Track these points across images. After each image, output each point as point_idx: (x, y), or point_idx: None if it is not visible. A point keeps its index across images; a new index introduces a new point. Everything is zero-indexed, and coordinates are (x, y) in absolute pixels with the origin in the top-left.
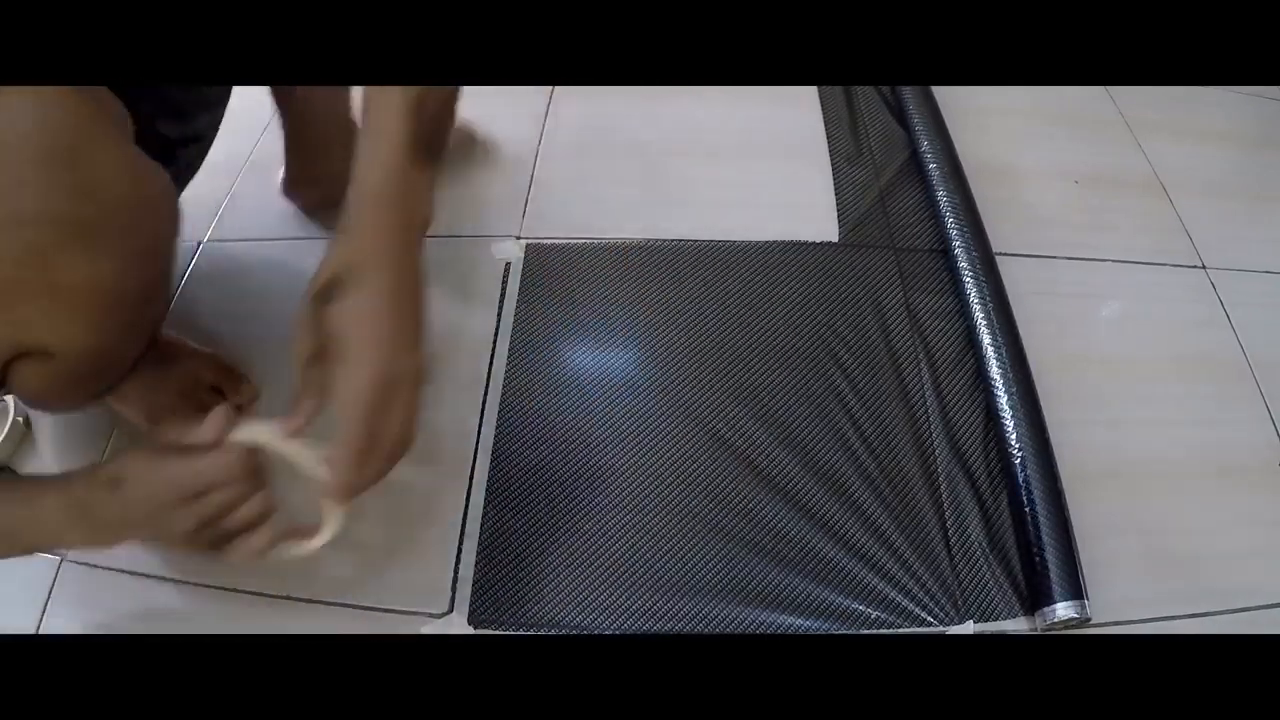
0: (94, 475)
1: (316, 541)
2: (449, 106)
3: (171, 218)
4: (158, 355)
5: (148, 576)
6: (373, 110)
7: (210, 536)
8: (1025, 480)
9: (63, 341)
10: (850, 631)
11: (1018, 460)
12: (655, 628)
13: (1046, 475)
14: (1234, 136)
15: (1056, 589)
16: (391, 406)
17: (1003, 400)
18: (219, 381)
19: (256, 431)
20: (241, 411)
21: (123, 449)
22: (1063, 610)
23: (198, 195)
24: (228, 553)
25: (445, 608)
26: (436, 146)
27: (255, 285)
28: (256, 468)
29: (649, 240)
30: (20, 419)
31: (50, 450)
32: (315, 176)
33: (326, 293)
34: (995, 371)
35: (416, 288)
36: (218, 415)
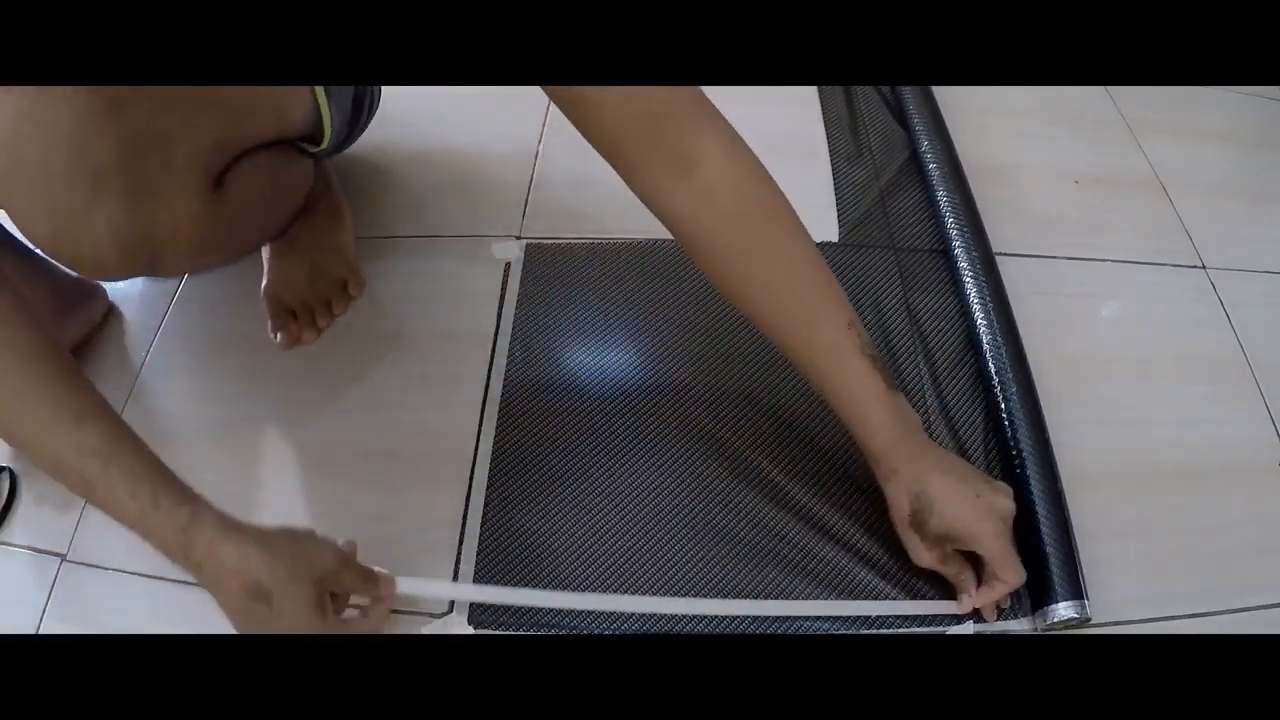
0: (227, 553)
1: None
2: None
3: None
4: (297, 246)
5: (148, 576)
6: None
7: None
8: (1025, 480)
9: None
10: (850, 632)
11: (1018, 460)
12: (655, 628)
13: (1046, 475)
14: (1234, 136)
15: (1057, 589)
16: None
17: (1003, 400)
18: (343, 281)
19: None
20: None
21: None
22: (1063, 610)
23: None
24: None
25: (445, 608)
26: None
27: (255, 285)
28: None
29: (649, 240)
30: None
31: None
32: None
33: (915, 520)
34: (995, 371)
35: (952, 461)
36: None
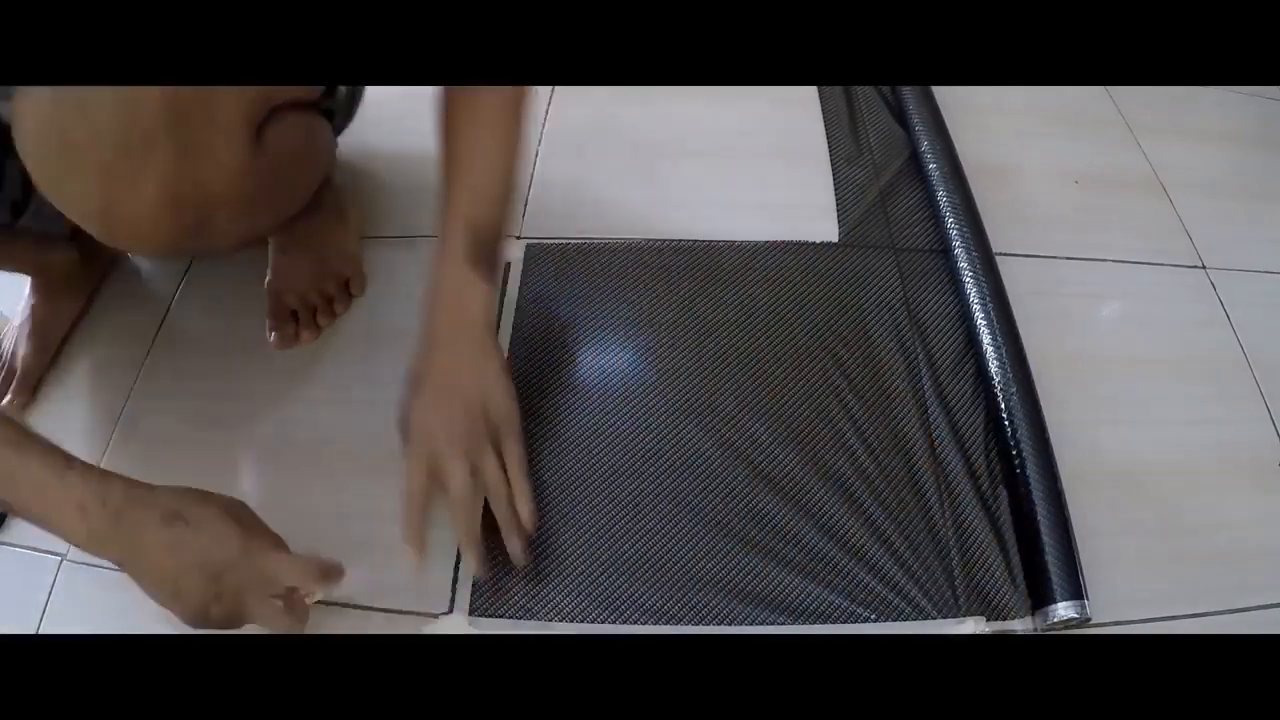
0: (142, 494)
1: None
2: (501, 221)
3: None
4: (301, 244)
5: None
6: (440, 229)
7: (220, 614)
8: (1025, 480)
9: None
10: (850, 631)
11: (1018, 460)
12: (656, 627)
13: (1046, 475)
14: (1234, 136)
15: (1057, 589)
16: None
17: (1003, 400)
18: (344, 282)
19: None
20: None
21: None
22: (1063, 610)
23: None
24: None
25: (445, 608)
26: (489, 256)
27: (255, 285)
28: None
29: (649, 240)
30: None
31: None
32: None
33: (413, 387)
34: (995, 371)
35: (472, 377)
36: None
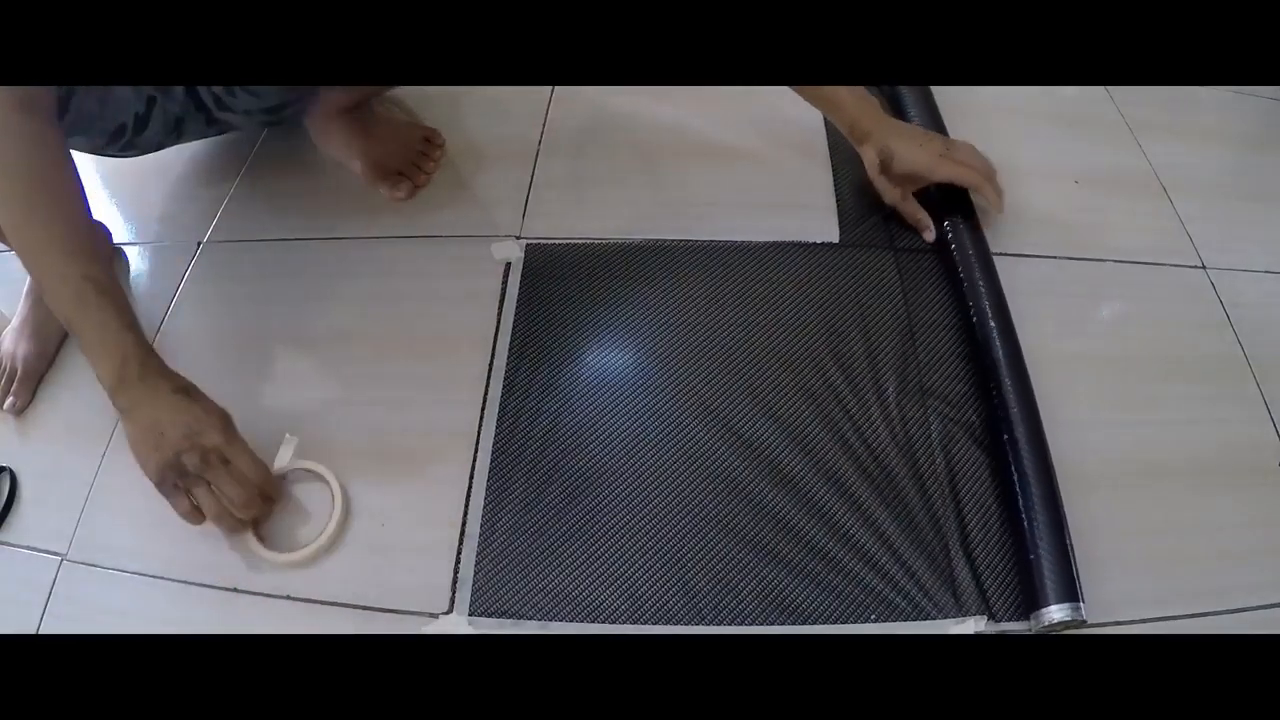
0: (168, 371)
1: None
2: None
3: None
4: (372, 123)
5: (148, 576)
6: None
7: (184, 488)
8: (1023, 480)
9: None
10: (850, 631)
11: (1015, 460)
12: (656, 627)
13: (1044, 475)
14: (1234, 136)
15: (1052, 591)
16: None
17: (1001, 400)
18: (425, 138)
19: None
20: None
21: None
22: (1058, 613)
23: (196, 195)
24: (186, 512)
25: (445, 608)
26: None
27: (254, 285)
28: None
29: (649, 240)
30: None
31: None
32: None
33: (883, 167)
34: (994, 372)
35: (914, 128)
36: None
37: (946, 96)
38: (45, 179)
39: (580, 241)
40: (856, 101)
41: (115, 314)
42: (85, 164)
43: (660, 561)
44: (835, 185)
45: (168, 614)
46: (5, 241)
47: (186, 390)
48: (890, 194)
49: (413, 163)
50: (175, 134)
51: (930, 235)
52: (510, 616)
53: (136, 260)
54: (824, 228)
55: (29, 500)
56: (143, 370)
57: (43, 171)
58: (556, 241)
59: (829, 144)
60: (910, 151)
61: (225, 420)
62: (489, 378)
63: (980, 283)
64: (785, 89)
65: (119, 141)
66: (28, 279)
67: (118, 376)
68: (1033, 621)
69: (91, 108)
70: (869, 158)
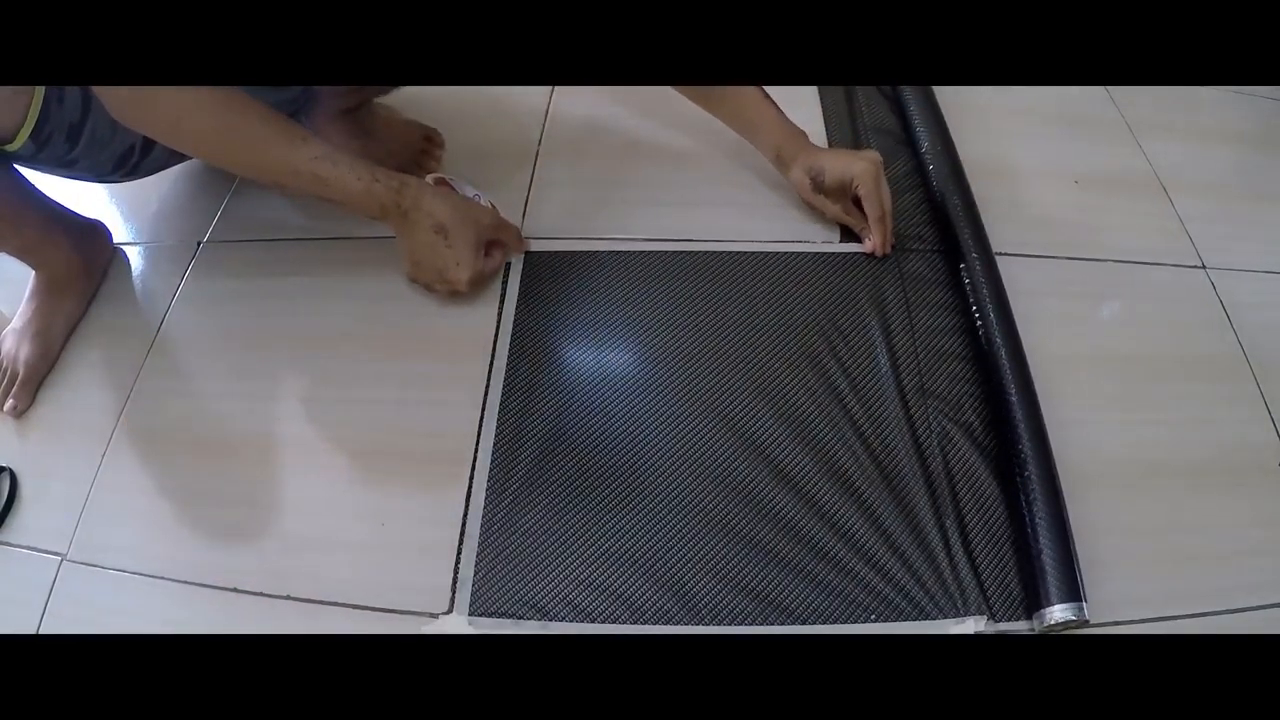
0: (426, 203)
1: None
2: None
3: None
4: (373, 123)
5: (148, 576)
6: None
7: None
8: (1024, 480)
9: None
10: (851, 631)
11: (1017, 460)
12: (656, 627)
13: (1045, 475)
14: (1234, 136)
15: (1054, 591)
16: None
17: (1002, 400)
18: (425, 138)
19: None
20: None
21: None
22: (1060, 613)
23: (196, 194)
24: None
25: (445, 608)
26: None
27: (255, 285)
28: None
29: (649, 240)
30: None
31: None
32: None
33: (814, 185)
34: (995, 371)
35: (832, 149)
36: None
37: (946, 96)
38: (235, 103)
39: (580, 241)
40: (783, 125)
41: (353, 173)
42: None
43: (660, 562)
44: None
45: (168, 614)
46: (227, 165)
47: (444, 228)
48: (830, 210)
49: (414, 162)
50: (180, 153)
51: (869, 244)
52: (510, 617)
53: (136, 260)
54: (824, 228)
55: (29, 500)
56: (401, 213)
57: (229, 98)
58: (557, 241)
59: (829, 144)
60: (838, 163)
61: (476, 264)
62: (489, 377)
63: (982, 283)
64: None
65: (126, 164)
66: (31, 277)
67: (382, 217)
68: (1035, 621)
69: (104, 131)
70: (798, 180)
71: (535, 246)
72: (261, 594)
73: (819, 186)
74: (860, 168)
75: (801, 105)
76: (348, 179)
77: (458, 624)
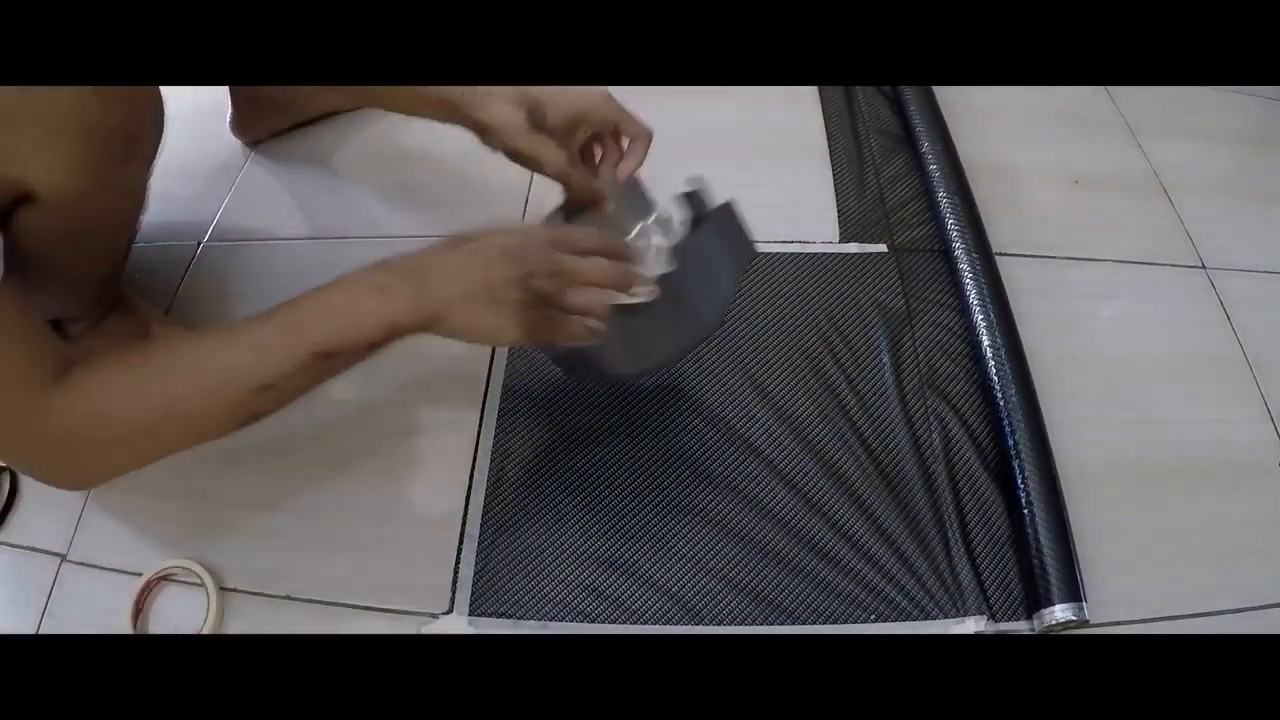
0: (415, 252)
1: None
2: None
3: (155, 96)
4: (137, 323)
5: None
6: None
7: (543, 311)
8: (1024, 480)
9: (48, 176)
10: (851, 631)
11: (1017, 460)
12: (656, 627)
13: (1045, 475)
14: (1234, 136)
15: (1055, 591)
16: None
17: (1002, 400)
18: None
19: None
20: None
21: None
22: (1060, 613)
23: (198, 195)
24: (560, 328)
25: (445, 608)
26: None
27: (255, 285)
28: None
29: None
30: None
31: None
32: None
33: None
34: (995, 371)
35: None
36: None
37: (947, 96)
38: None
39: None
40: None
41: (320, 296)
42: None
43: (660, 562)
44: (835, 185)
45: (168, 614)
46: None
47: (457, 241)
48: (551, 156)
49: None
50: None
51: (610, 207)
52: (510, 616)
53: (137, 260)
54: (824, 228)
55: (29, 500)
56: (402, 271)
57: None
58: None
59: (829, 144)
60: (563, 95)
61: (523, 229)
62: (489, 377)
63: (982, 283)
64: (784, 89)
65: None
66: None
67: (393, 302)
68: (1036, 621)
69: None
70: (508, 118)
71: None
72: (261, 594)
73: (539, 123)
74: (595, 95)
75: (801, 105)
76: (320, 303)
77: (458, 624)
